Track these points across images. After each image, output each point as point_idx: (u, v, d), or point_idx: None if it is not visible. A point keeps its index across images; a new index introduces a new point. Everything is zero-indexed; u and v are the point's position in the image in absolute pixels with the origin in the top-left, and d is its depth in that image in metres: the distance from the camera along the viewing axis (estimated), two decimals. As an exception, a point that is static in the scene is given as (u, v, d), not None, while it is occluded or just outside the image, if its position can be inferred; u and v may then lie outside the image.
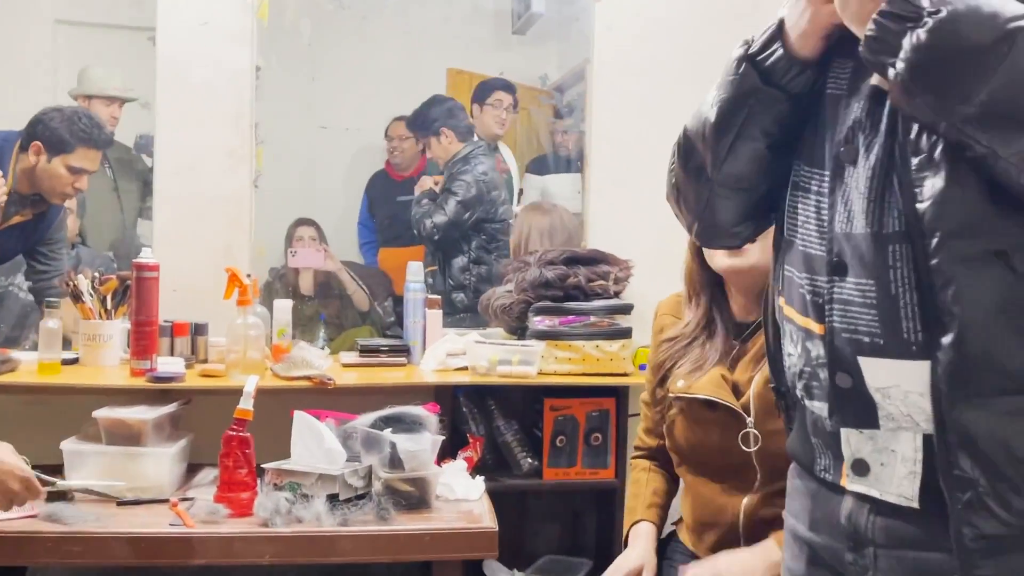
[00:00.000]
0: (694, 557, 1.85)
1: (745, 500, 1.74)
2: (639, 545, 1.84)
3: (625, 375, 2.50)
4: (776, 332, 1.19)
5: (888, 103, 0.98)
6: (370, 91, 3.45)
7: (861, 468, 1.03)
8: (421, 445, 1.94)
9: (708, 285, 1.86)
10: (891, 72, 0.92)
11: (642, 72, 2.84)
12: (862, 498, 1.04)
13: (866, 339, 0.99)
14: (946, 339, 0.92)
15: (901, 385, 0.97)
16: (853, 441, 1.04)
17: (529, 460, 2.50)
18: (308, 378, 2.25)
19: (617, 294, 2.58)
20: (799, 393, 1.11)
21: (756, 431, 1.71)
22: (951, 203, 0.92)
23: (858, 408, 1.01)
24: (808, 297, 1.06)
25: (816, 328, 1.05)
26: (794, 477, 1.20)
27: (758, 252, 1.74)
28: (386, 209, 3.71)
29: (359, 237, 3.79)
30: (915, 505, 0.99)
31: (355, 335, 3.14)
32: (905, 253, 0.95)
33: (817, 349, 1.05)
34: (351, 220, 3.72)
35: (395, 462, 1.92)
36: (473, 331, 2.73)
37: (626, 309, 2.52)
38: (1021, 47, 0.85)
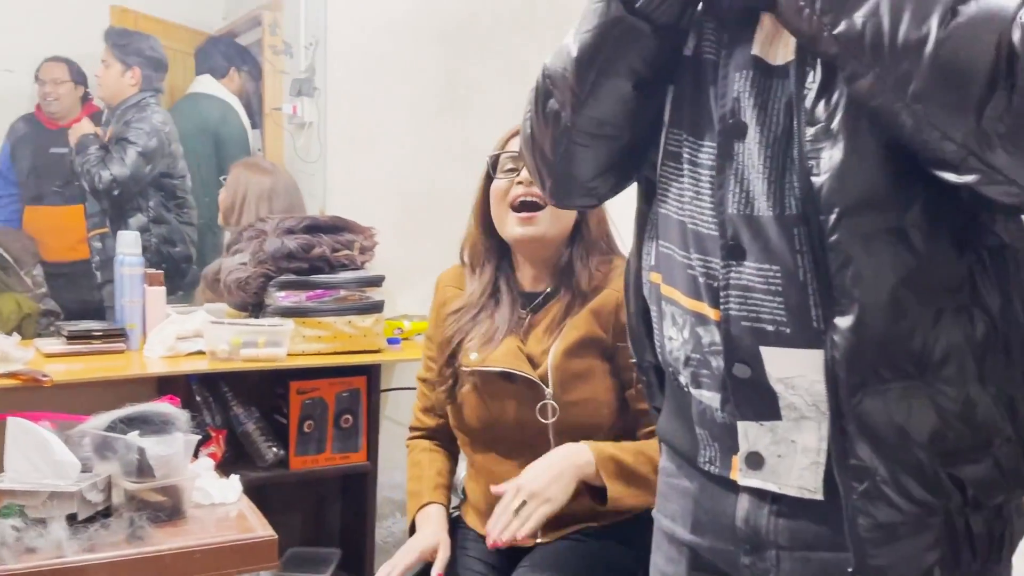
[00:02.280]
0: (485, 540, 1.77)
1: None
2: (431, 525, 1.73)
3: (378, 351, 2.35)
4: (642, 308, 1.11)
5: (777, 77, 0.91)
6: (49, 27, 2.89)
7: (755, 461, 0.96)
8: (173, 448, 1.67)
9: (494, 254, 1.78)
10: None
11: (380, 27, 2.67)
12: (760, 496, 0.97)
13: (770, 327, 0.92)
14: (843, 322, 0.86)
15: (807, 375, 0.91)
16: (751, 434, 0.96)
17: (274, 450, 2.28)
18: (14, 375, 1.86)
19: (363, 264, 2.42)
20: (683, 380, 1.02)
21: (554, 402, 1.65)
22: (849, 176, 0.85)
23: (756, 399, 0.94)
24: (701, 280, 0.97)
25: (711, 314, 0.96)
26: (669, 475, 1.11)
27: (548, 221, 1.69)
28: (34, 160, 3.15)
29: (-6, 188, 3.18)
30: (819, 497, 0.93)
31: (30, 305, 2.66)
32: (806, 235, 0.88)
33: (711, 336, 0.97)
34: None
35: (143, 470, 1.63)
36: (198, 309, 2.44)
37: (377, 281, 2.36)
38: None
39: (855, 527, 0.89)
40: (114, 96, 2.93)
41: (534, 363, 1.69)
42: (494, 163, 1.75)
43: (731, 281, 0.93)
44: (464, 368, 1.73)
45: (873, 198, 0.85)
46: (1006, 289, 0.90)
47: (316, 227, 2.38)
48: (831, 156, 0.85)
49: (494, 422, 1.72)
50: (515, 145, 1.72)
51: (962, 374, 0.88)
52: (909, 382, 0.87)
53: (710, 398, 0.99)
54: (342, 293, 2.30)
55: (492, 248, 1.78)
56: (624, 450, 1.62)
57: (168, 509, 1.65)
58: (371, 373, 2.38)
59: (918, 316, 0.87)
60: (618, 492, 1.59)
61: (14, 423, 1.60)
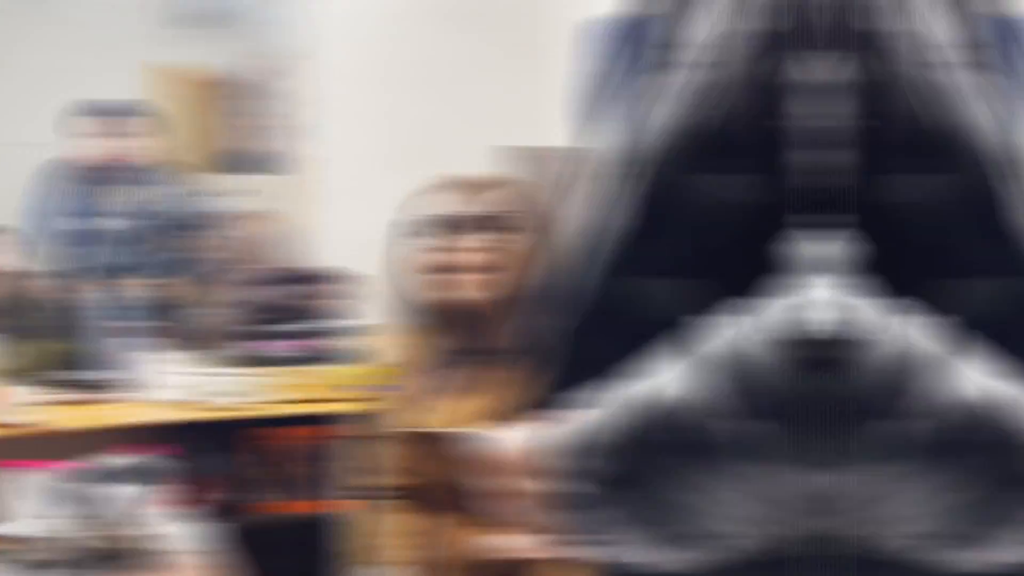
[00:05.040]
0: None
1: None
2: None
3: (354, 400, 2.41)
4: None
5: None
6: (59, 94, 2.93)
7: None
8: (143, 495, 1.75)
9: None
10: None
11: (372, 75, 2.73)
12: None
13: None
14: None
15: None
16: None
17: (255, 497, 2.35)
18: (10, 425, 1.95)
19: (341, 314, 2.49)
20: None
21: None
22: None
23: None
24: None
25: None
26: None
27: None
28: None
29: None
30: None
31: (50, 351, 2.73)
32: None
33: None
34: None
35: (110, 520, 1.71)
36: (182, 358, 2.51)
37: (357, 329, 2.43)
38: None
39: None
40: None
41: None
42: None
43: None
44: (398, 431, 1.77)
45: None
46: None
47: (295, 277, 2.46)
48: None
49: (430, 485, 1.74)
50: None
51: None
52: None
53: None
54: (318, 342, 2.38)
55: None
56: None
57: (136, 555, 1.72)
58: (346, 422, 2.43)
59: None
60: None
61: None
